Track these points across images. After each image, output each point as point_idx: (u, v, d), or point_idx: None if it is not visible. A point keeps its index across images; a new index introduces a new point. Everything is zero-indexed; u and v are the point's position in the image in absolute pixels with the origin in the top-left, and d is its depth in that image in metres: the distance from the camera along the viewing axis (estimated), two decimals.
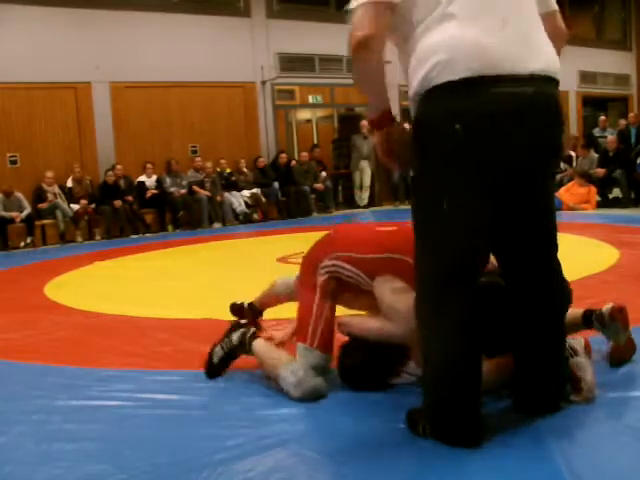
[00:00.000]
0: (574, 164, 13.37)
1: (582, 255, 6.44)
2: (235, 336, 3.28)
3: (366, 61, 2.29)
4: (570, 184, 11.99)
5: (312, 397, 2.91)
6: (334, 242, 3.17)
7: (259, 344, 3.21)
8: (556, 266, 2.51)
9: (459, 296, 2.30)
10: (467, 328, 2.30)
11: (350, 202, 15.38)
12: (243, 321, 3.66)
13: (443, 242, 2.31)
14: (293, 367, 2.96)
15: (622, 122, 15.17)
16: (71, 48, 12.33)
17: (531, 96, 2.20)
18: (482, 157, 2.22)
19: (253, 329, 3.33)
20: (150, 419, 2.86)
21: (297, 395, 2.91)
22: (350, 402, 2.87)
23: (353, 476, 2.22)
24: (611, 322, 2.96)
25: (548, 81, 2.27)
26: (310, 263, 3.19)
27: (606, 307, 2.99)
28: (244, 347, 3.25)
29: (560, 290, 2.53)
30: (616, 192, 12.41)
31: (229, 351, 3.28)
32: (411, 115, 2.34)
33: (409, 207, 2.47)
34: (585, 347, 2.80)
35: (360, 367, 2.98)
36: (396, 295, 2.82)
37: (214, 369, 3.29)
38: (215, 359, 3.30)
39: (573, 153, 13.83)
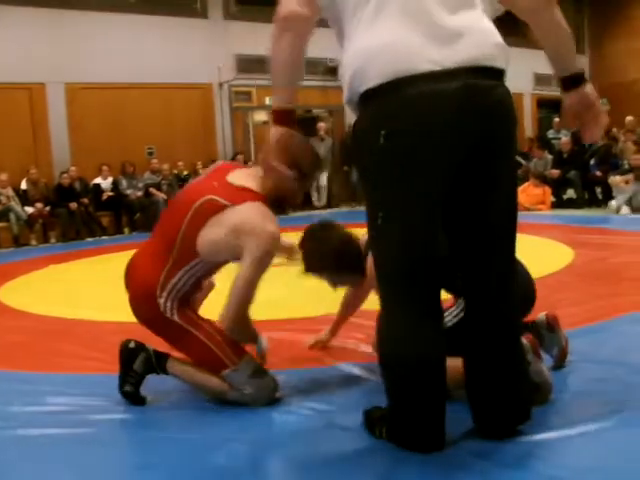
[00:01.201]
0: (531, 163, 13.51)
1: (538, 255, 6.50)
2: (138, 366, 3.01)
3: (281, 40, 2.20)
4: (525, 185, 12.13)
5: (272, 392, 2.88)
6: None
7: (174, 365, 3.00)
8: (510, 271, 2.37)
9: (412, 297, 2.24)
10: (427, 327, 2.25)
11: (308, 203, 15.38)
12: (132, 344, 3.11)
13: (387, 247, 2.23)
14: (237, 391, 2.85)
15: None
16: (25, 48, 12.14)
17: (455, 91, 2.03)
18: (411, 161, 2.09)
19: (151, 349, 3.05)
20: (104, 423, 2.82)
21: (264, 401, 2.85)
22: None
23: None
24: (552, 331, 3.03)
25: (482, 71, 2.09)
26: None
27: (540, 319, 3.04)
28: (155, 371, 3.02)
29: (515, 295, 2.40)
30: (570, 193, 12.59)
31: (138, 382, 3.01)
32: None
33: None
34: (532, 347, 2.70)
35: None
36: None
37: (138, 401, 3.00)
38: (132, 398, 2.99)
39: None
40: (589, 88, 2.31)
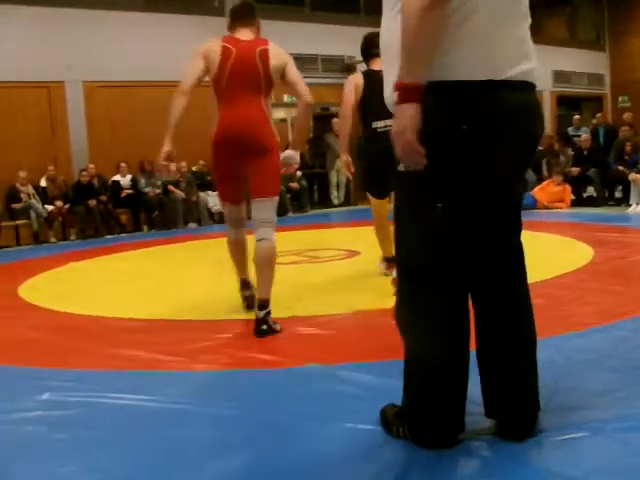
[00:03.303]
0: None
1: (557, 253, 6.49)
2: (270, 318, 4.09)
3: (433, 13, 2.00)
4: (545, 183, 12.06)
5: None
6: None
7: None
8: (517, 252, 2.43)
9: (439, 294, 2.24)
10: (449, 327, 2.25)
11: (325, 201, 15.38)
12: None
13: (428, 240, 2.24)
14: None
15: (594, 121, 15.31)
16: (44, 47, 12.19)
17: (529, 101, 2.24)
18: (485, 160, 2.17)
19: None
20: (121, 420, 2.83)
21: None
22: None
23: None
24: None
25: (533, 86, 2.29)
26: None
27: None
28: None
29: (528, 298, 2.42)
30: (590, 191, 12.49)
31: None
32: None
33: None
34: None
35: None
36: None
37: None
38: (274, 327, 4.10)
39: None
40: None
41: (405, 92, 2.08)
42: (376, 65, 5.30)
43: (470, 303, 2.36)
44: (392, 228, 2.45)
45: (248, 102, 4.24)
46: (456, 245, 2.25)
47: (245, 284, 4.80)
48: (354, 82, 5.46)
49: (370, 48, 5.38)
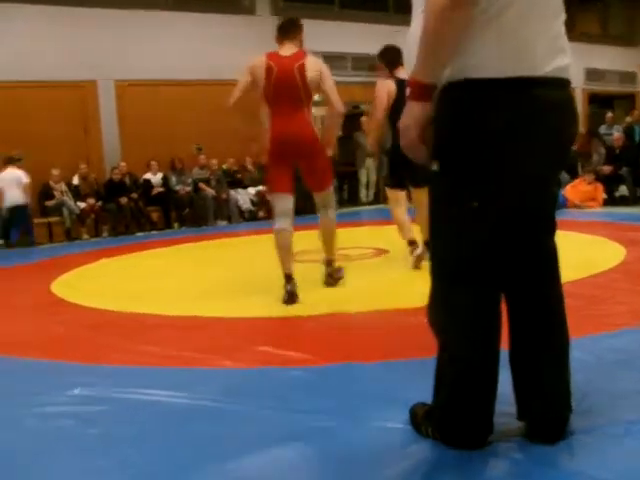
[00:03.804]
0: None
1: (589, 253, 6.43)
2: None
3: (460, 13, 1.97)
4: (576, 181, 11.94)
5: None
6: None
7: None
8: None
9: (473, 294, 2.22)
10: (482, 327, 2.24)
11: (355, 199, 15.37)
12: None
13: (463, 240, 2.21)
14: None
15: (628, 119, 15.13)
16: (76, 47, 12.32)
17: (566, 99, 2.21)
18: (519, 159, 2.14)
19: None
20: (152, 416, 2.86)
21: None
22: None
23: None
24: None
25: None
26: None
27: None
28: None
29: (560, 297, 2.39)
30: (622, 190, 12.35)
31: None
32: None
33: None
34: None
35: None
36: None
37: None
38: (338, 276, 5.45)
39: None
40: None
41: (417, 90, 2.10)
42: (402, 73, 5.84)
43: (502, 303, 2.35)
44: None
45: (292, 112, 4.96)
46: (490, 245, 2.23)
47: (288, 278, 4.97)
48: (387, 88, 5.98)
49: (397, 57, 5.98)
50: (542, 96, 2.11)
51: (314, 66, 4.97)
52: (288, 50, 5.03)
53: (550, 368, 2.32)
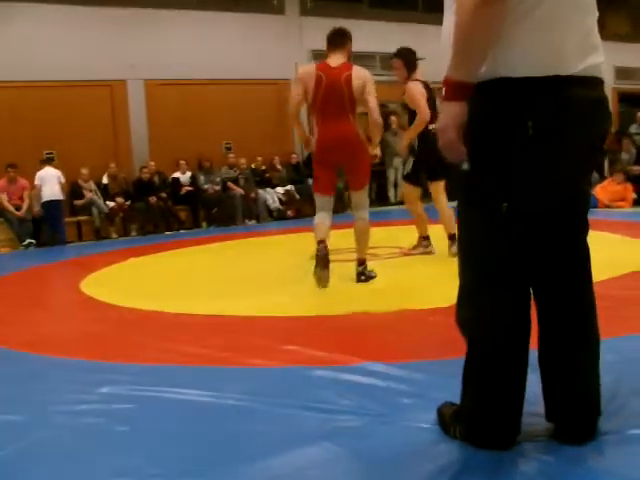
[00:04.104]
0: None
1: (617, 253, 6.36)
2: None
3: (490, 16, 1.95)
4: (606, 182, 11.84)
5: None
6: None
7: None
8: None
9: (502, 294, 2.21)
10: (511, 328, 2.23)
11: (383, 199, 15.33)
12: None
13: (493, 240, 2.20)
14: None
15: None
16: (106, 46, 12.44)
17: (597, 98, 2.20)
18: (552, 159, 2.11)
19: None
20: (181, 414, 2.87)
21: None
22: None
23: None
24: None
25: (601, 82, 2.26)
26: None
27: None
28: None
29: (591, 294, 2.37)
30: None
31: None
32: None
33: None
34: None
35: None
36: None
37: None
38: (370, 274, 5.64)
39: None
40: None
41: (452, 89, 2.08)
42: (419, 75, 6.54)
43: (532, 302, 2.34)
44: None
45: (338, 118, 5.45)
46: (521, 245, 2.21)
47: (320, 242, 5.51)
48: (421, 90, 6.43)
49: (415, 60, 6.58)
50: (577, 96, 2.09)
51: (359, 77, 5.46)
52: (336, 60, 5.53)
53: (581, 369, 2.31)
